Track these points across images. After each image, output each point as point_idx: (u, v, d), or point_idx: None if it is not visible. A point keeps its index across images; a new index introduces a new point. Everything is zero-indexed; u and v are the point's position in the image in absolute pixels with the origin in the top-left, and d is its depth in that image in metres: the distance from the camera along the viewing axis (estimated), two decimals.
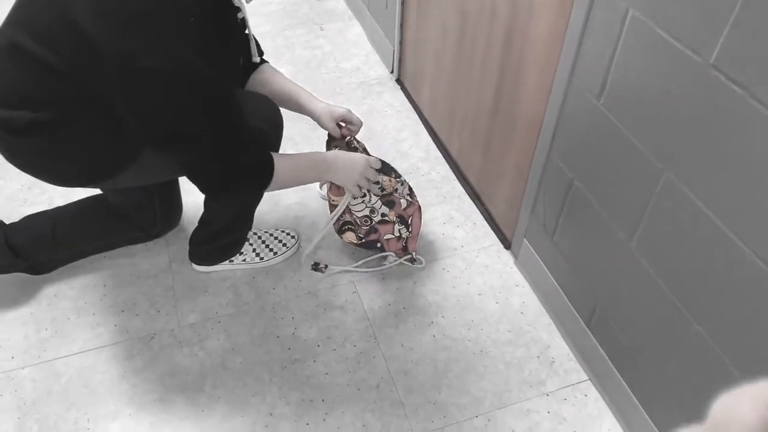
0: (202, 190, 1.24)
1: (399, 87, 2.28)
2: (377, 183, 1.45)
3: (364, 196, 1.46)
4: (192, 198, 1.74)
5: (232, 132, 1.16)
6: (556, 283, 1.49)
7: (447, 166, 1.96)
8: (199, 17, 1.03)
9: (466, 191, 1.88)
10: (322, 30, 2.57)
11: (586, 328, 1.40)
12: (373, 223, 1.52)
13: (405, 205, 1.53)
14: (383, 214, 1.51)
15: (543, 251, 1.52)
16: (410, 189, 1.54)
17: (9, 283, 1.58)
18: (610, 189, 1.21)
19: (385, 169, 1.48)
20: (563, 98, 1.28)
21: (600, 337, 1.36)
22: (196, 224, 1.59)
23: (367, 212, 1.50)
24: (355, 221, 1.54)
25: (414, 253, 1.61)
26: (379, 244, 1.58)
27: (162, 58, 1.00)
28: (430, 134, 2.07)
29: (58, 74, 1.09)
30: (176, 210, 1.66)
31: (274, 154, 1.25)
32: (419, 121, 2.13)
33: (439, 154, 2.01)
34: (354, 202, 1.48)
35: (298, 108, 1.46)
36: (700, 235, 1.01)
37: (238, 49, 1.26)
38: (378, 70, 2.36)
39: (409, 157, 1.99)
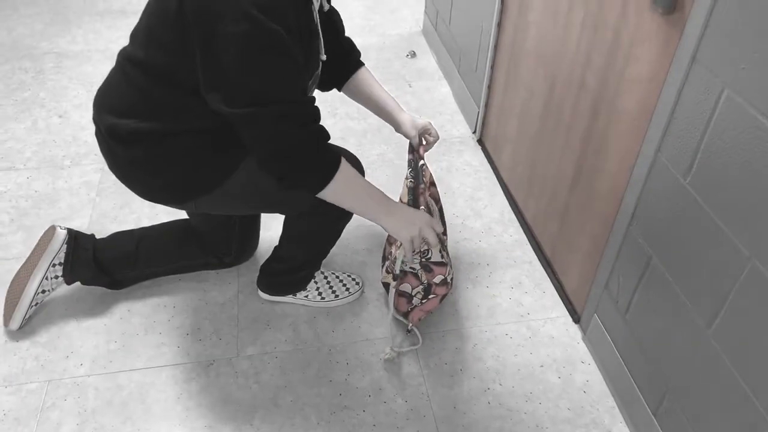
0: (264, 165, 1.21)
1: (480, 147, 2.29)
2: (426, 251, 1.44)
3: (417, 253, 1.45)
4: (269, 233, 1.80)
5: (308, 108, 1.18)
6: (624, 364, 1.41)
7: (521, 230, 1.94)
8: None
9: (538, 257, 1.84)
10: (410, 87, 2.64)
11: (653, 418, 1.31)
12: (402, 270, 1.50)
13: (439, 281, 1.52)
14: (413, 269, 1.50)
15: (613, 329, 1.45)
16: (452, 276, 1.57)
17: (90, 293, 1.67)
18: (691, 271, 1.15)
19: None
20: (647, 174, 1.24)
21: (667, 429, 1.27)
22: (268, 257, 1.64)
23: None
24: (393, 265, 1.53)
25: (411, 324, 1.56)
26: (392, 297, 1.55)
27: (237, 23, 1.04)
28: (506, 196, 2.06)
29: (165, 82, 1.19)
30: (253, 243, 1.73)
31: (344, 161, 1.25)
32: (497, 182, 2.13)
33: (514, 217, 1.99)
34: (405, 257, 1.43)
35: (386, 116, 1.53)
36: None
37: (313, 44, 1.28)
38: (461, 129, 2.39)
39: (482, 217, 1.99)
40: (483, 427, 1.41)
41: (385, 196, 1.31)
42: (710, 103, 1.05)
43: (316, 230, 1.51)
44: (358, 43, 1.53)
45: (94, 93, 1.33)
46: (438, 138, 1.56)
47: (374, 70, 2.79)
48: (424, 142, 1.56)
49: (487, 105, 2.22)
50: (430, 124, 1.55)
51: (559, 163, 1.68)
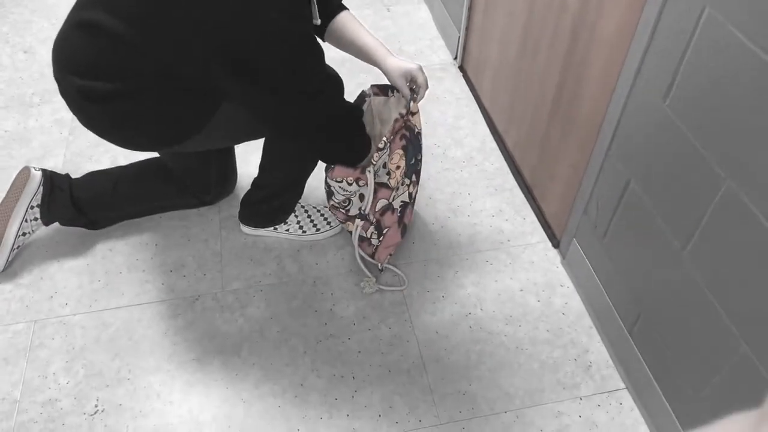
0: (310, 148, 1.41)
1: (461, 74, 2.25)
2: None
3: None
4: (248, 169, 1.78)
5: (337, 88, 1.27)
6: (601, 286, 1.45)
7: (502, 158, 1.93)
8: None
9: (518, 185, 1.85)
10: (388, 11, 2.56)
11: (629, 336, 1.36)
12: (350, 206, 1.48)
13: (380, 207, 1.48)
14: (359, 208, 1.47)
15: (591, 253, 1.48)
16: (408, 201, 1.55)
17: (71, 234, 1.66)
18: (668, 194, 1.16)
19: (414, 150, 1.47)
20: (627, 97, 1.23)
21: (642, 346, 1.32)
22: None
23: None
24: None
25: (381, 264, 1.58)
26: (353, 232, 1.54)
27: (254, 26, 1.06)
28: (487, 124, 2.04)
29: (130, 47, 1.13)
30: (230, 179, 1.71)
31: None
32: (478, 110, 2.10)
33: (495, 145, 1.97)
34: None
35: (372, 62, 1.45)
36: (758, 250, 0.95)
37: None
38: (441, 55, 2.34)
39: (463, 146, 1.97)
40: (464, 350, 1.45)
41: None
42: (691, 22, 1.02)
43: (296, 151, 1.49)
44: None
45: (59, 26, 1.26)
46: (427, 87, 1.44)
47: None
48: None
49: (467, 29, 2.16)
50: (420, 69, 1.41)
51: (540, 89, 1.65)
